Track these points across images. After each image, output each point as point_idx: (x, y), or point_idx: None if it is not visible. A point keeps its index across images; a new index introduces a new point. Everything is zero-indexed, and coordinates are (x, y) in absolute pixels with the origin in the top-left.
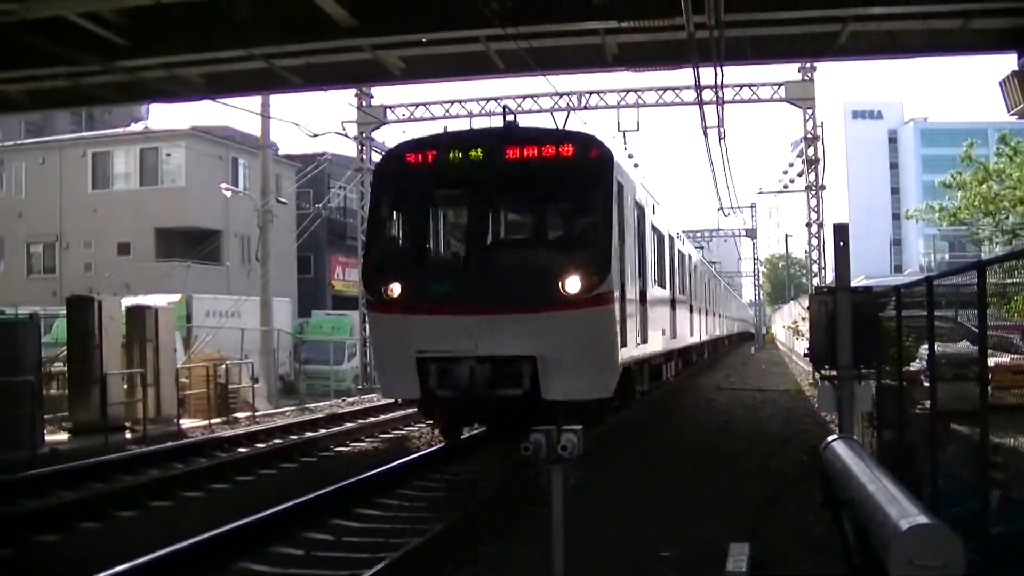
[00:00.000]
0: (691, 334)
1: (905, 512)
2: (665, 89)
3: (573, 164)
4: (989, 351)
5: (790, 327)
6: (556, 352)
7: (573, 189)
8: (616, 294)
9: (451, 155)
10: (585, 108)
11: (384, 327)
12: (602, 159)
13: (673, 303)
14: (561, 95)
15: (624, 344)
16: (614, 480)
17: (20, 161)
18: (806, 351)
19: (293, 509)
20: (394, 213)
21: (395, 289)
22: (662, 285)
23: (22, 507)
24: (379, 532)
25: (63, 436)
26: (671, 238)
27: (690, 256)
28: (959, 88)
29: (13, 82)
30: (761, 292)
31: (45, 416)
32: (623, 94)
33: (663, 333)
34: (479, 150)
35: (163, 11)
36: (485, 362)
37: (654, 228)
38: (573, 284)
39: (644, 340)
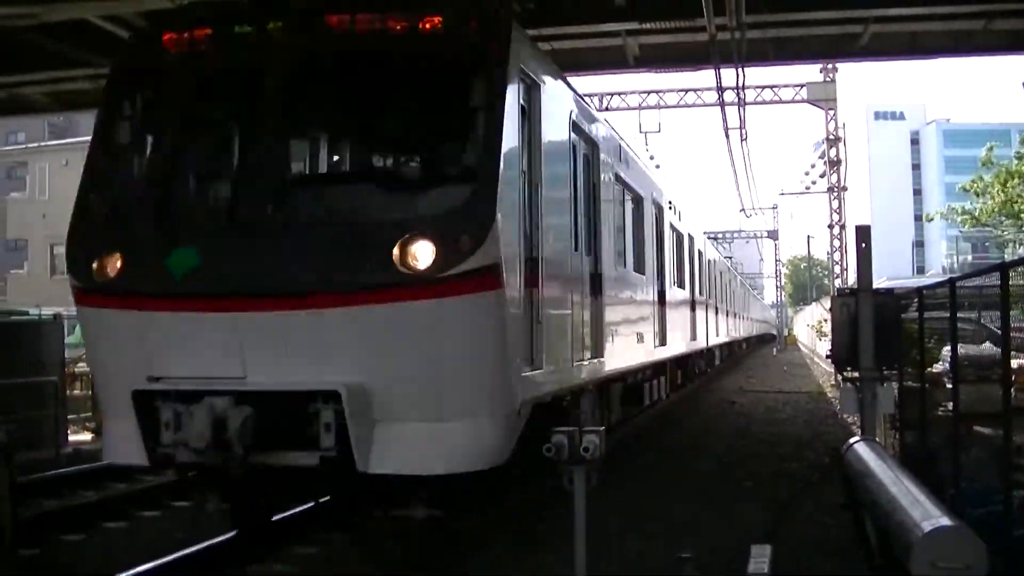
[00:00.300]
0: (693, 338)
1: (927, 514)
2: (687, 91)
3: (439, 40)
4: (1012, 353)
5: (813, 327)
6: (387, 381)
7: (436, 82)
8: (515, 273)
9: (234, 31)
10: (607, 110)
11: (94, 331)
12: (489, 30)
13: (662, 297)
14: (582, 97)
15: (537, 363)
16: (631, 483)
17: (43, 162)
18: (828, 352)
19: (313, 510)
20: (129, 134)
21: (113, 263)
22: (640, 270)
23: (46, 507)
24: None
25: (87, 436)
26: (659, 206)
27: (692, 236)
28: (982, 89)
29: (35, 84)
30: (783, 293)
31: (69, 416)
32: (644, 96)
33: (640, 339)
34: (279, 20)
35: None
36: (252, 401)
37: (621, 182)
38: (424, 251)
39: (596, 353)
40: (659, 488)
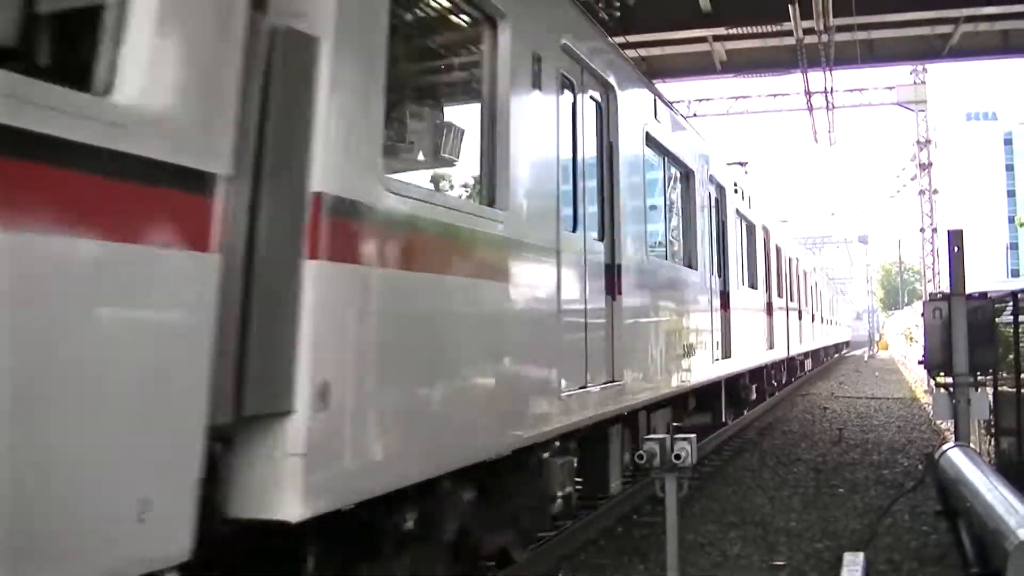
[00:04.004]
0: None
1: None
2: (775, 95)
3: None
4: None
5: (903, 334)
6: None
7: None
8: None
9: None
10: (694, 116)
11: None
12: None
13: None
14: (669, 104)
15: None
16: (726, 489)
17: None
18: (920, 359)
19: None
20: None
21: None
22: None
23: None
24: None
25: None
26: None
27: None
28: None
29: None
30: (874, 298)
31: None
32: (732, 101)
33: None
34: None
35: None
36: None
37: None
38: None
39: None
40: (754, 493)
